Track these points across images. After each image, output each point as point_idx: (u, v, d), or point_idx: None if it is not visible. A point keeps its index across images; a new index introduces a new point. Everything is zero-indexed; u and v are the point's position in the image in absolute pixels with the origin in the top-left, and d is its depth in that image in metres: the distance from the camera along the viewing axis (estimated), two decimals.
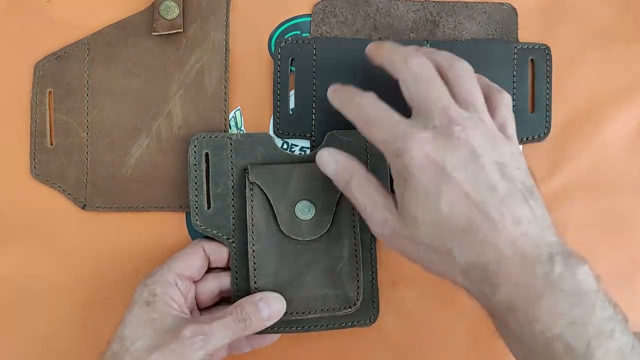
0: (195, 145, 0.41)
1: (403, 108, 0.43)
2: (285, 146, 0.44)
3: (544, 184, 0.44)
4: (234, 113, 0.44)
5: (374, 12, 0.44)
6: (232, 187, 0.41)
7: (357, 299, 0.40)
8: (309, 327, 0.40)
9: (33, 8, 0.44)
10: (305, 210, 0.40)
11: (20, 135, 0.43)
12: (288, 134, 0.43)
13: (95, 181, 0.43)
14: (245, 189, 0.40)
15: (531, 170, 0.34)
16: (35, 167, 0.43)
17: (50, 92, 0.43)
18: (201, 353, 0.35)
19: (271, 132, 0.44)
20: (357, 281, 0.40)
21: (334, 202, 0.40)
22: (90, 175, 0.43)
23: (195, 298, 0.40)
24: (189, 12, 0.43)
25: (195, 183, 0.40)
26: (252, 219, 0.40)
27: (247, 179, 0.40)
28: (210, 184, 0.41)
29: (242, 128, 0.44)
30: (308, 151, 0.44)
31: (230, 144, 0.41)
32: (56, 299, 0.43)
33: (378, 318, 0.41)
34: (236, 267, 0.40)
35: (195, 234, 0.43)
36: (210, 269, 0.41)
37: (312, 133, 0.43)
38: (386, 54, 0.37)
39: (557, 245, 0.32)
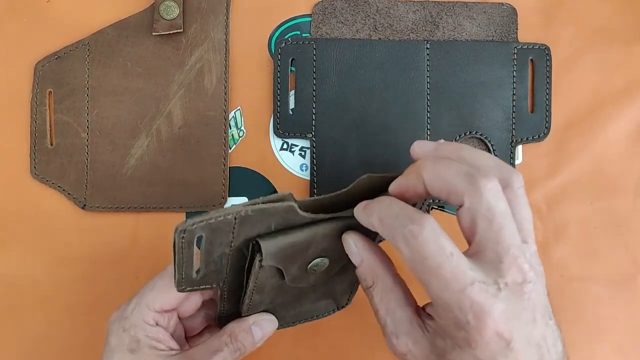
0: (183, 238, 0.29)
1: (405, 102, 0.43)
2: (285, 146, 0.44)
3: (544, 184, 0.44)
4: (234, 113, 0.44)
5: (374, 13, 0.44)
6: (230, 251, 0.31)
7: (347, 304, 0.39)
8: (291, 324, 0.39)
9: (33, 8, 0.44)
10: (318, 264, 0.33)
11: (20, 136, 0.43)
12: (288, 134, 0.43)
13: (95, 181, 0.43)
14: (246, 249, 0.32)
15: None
16: (35, 167, 0.43)
17: (50, 92, 0.43)
18: None
19: (271, 133, 0.44)
20: (351, 293, 0.39)
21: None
22: (90, 175, 0.43)
23: (179, 315, 0.37)
24: (189, 12, 0.43)
25: (183, 263, 0.31)
26: (255, 285, 0.33)
27: (256, 260, 0.31)
28: (202, 253, 0.31)
29: (242, 128, 0.44)
30: (307, 152, 0.43)
31: (235, 219, 0.29)
32: (55, 299, 0.43)
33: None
34: (224, 300, 0.35)
35: None
36: None
37: (312, 133, 0.43)
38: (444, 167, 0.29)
39: None
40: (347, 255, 0.32)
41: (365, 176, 0.32)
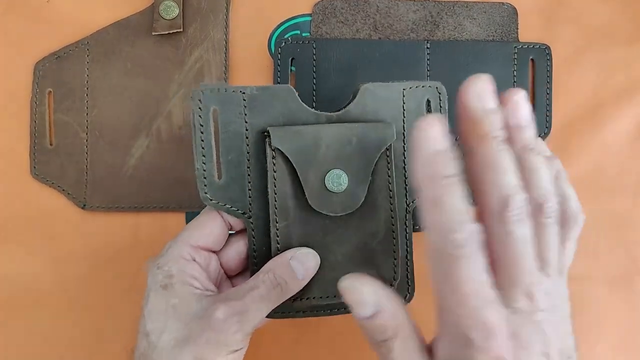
0: (200, 100, 0.33)
1: None
2: None
3: None
4: None
5: (374, 12, 0.44)
6: (248, 152, 0.33)
7: (395, 279, 0.34)
8: (335, 311, 0.35)
9: (33, 8, 0.44)
10: (336, 181, 0.33)
11: (20, 135, 0.43)
12: None
13: (95, 181, 0.43)
14: (264, 156, 0.33)
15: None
16: (35, 167, 0.43)
17: (50, 92, 0.43)
18: (239, 335, 0.30)
19: None
20: (395, 259, 0.34)
21: (369, 170, 0.34)
22: (90, 175, 0.43)
23: (223, 267, 0.35)
24: (189, 12, 0.43)
25: (202, 148, 0.33)
26: (275, 193, 0.33)
27: (267, 145, 0.33)
28: (220, 149, 0.33)
29: None
30: None
31: (244, 99, 0.33)
32: (56, 299, 0.43)
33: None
34: (254, 245, 0.34)
35: None
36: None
37: None
38: (481, 161, 0.27)
39: None
40: (367, 172, 0.33)
41: (368, 85, 0.34)
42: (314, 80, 0.43)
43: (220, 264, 0.34)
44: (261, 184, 0.33)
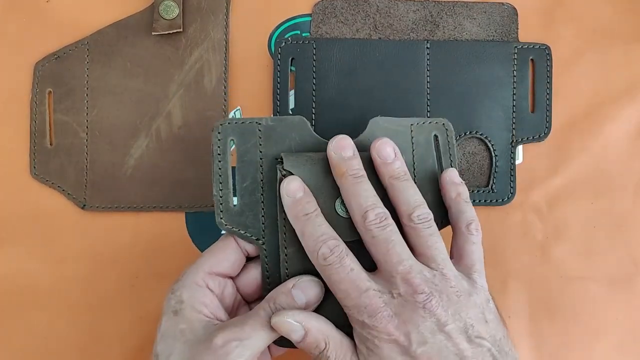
0: (219, 132, 0.35)
1: (405, 102, 0.43)
2: None
3: (544, 184, 0.44)
4: (234, 113, 0.44)
5: (374, 12, 0.44)
6: (262, 180, 0.35)
7: None
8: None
9: (33, 8, 0.44)
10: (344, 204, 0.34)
11: (20, 136, 0.43)
12: None
13: (95, 181, 0.43)
14: (277, 183, 0.34)
15: (500, 315, 0.34)
16: (35, 167, 0.43)
17: (50, 92, 0.43)
18: None
19: None
20: None
21: (379, 196, 0.34)
22: (90, 175, 0.43)
23: (240, 292, 0.36)
24: (189, 12, 0.43)
25: (220, 176, 0.35)
26: (284, 218, 0.34)
27: (279, 169, 0.34)
28: (236, 177, 0.35)
29: None
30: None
31: (260, 130, 0.35)
32: (55, 299, 0.43)
33: None
34: (267, 271, 0.35)
35: (195, 234, 0.43)
36: (250, 259, 0.37)
37: None
38: (345, 194, 0.33)
39: None
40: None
41: (377, 118, 0.37)
42: (314, 80, 0.43)
43: (238, 290, 0.36)
44: (273, 211, 0.35)
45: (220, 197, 0.35)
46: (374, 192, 0.33)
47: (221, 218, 0.35)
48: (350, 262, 0.32)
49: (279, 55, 0.43)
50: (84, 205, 0.43)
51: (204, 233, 0.43)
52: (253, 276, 0.36)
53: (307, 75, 0.43)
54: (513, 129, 0.43)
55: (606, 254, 0.43)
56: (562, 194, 0.44)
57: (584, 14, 0.45)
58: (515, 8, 0.44)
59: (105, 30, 0.44)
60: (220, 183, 0.35)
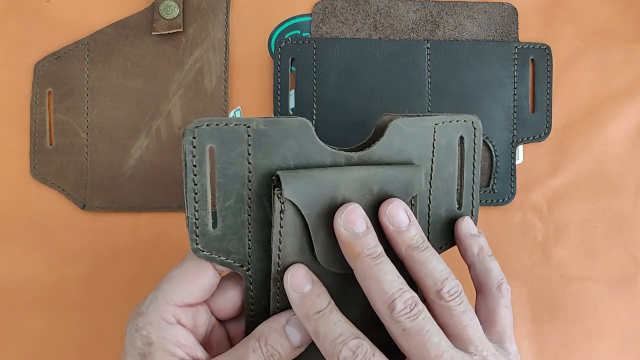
0: (194, 138, 0.27)
1: (405, 102, 0.43)
2: None
3: (544, 184, 0.44)
4: (234, 113, 0.44)
5: (374, 12, 0.44)
6: (249, 198, 0.29)
7: None
8: None
9: (33, 8, 0.44)
10: None
11: (20, 135, 0.43)
12: None
13: (94, 181, 0.43)
14: (268, 203, 0.29)
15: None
16: (35, 167, 0.43)
17: (50, 92, 0.43)
18: None
19: None
20: None
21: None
22: (89, 175, 0.43)
23: (213, 312, 0.32)
24: (189, 12, 0.43)
25: (195, 193, 0.28)
26: (280, 249, 0.29)
27: (275, 195, 0.28)
28: (217, 195, 0.28)
29: None
30: None
31: (249, 135, 0.28)
32: (55, 299, 0.43)
33: None
34: (252, 299, 0.30)
35: None
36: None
37: None
38: (361, 276, 0.29)
39: None
40: (382, 230, 0.30)
41: (397, 121, 0.30)
42: (314, 80, 0.43)
43: (211, 310, 0.31)
44: (263, 234, 0.29)
45: (196, 219, 0.28)
46: (397, 273, 0.28)
47: (197, 244, 0.29)
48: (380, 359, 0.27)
49: (279, 55, 0.43)
50: (84, 205, 0.43)
51: None
52: (230, 298, 0.31)
53: (307, 75, 0.43)
54: (513, 129, 0.43)
55: (606, 254, 0.43)
56: (562, 194, 0.44)
57: (584, 13, 0.45)
58: (515, 8, 0.44)
59: (105, 30, 0.44)
60: (196, 203, 0.28)
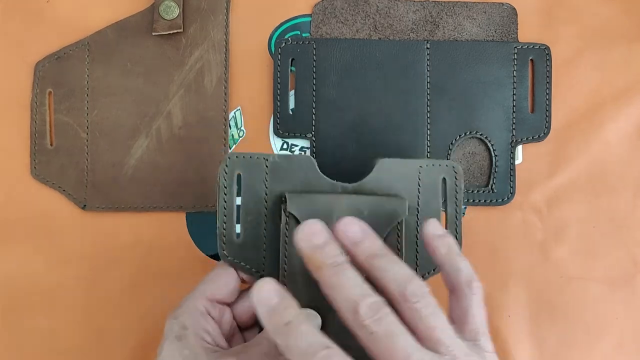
0: (227, 165, 0.36)
1: (405, 102, 0.43)
2: (285, 146, 0.44)
3: (544, 184, 0.44)
4: (234, 113, 0.44)
5: (374, 13, 0.44)
6: (266, 215, 0.36)
7: None
8: None
9: (33, 8, 0.44)
10: None
11: (20, 136, 0.43)
12: (288, 134, 0.43)
13: (95, 181, 0.43)
14: (279, 219, 0.35)
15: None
16: (35, 168, 0.43)
17: (50, 92, 0.43)
18: None
19: (271, 133, 0.44)
20: None
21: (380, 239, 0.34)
22: (90, 175, 0.43)
23: (236, 319, 0.36)
24: (189, 12, 0.43)
25: (225, 208, 0.36)
26: (286, 256, 0.35)
27: (282, 210, 0.35)
28: (241, 211, 0.36)
29: (242, 128, 0.44)
30: (307, 152, 0.44)
31: (267, 165, 0.36)
32: (56, 299, 0.43)
33: None
34: None
35: (196, 235, 0.43)
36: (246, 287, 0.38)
37: (312, 133, 0.43)
38: (326, 287, 0.29)
39: None
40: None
41: (385, 160, 0.36)
42: (314, 80, 0.43)
43: (233, 315, 0.36)
44: (275, 246, 0.35)
45: (224, 229, 0.36)
46: (362, 279, 0.29)
47: (224, 250, 0.36)
48: (320, 338, 0.28)
49: (279, 56, 0.43)
50: (85, 205, 0.43)
51: (204, 233, 0.43)
52: (248, 304, 0.35)
53: (307, 76, 0.43)
54: (513, 129, 0.43)
55: (606, 254, 0.43)
56: (562, 194, 0.44)
57: (584, 14, 0.45)
58: (514, 8, 0.44)
59: (105, 30, 0.44)
60: (225, 215, 0.36)
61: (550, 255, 0.43)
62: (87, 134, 0.43)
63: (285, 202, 0.35)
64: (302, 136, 0.43)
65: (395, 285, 0.29)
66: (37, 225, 0.43)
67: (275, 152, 0.44)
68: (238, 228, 0.36)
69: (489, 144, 0.43)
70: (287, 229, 0.35)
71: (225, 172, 0.36)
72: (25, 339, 0.43)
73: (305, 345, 0.27)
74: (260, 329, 0.34)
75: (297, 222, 0.34)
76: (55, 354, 0.43)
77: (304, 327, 0.28)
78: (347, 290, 0.28)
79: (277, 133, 0.43)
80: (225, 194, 0.36)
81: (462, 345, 0.29)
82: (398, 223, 0.35)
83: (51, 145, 0.43)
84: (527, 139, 0.43)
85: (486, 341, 0.31)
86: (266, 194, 0.36)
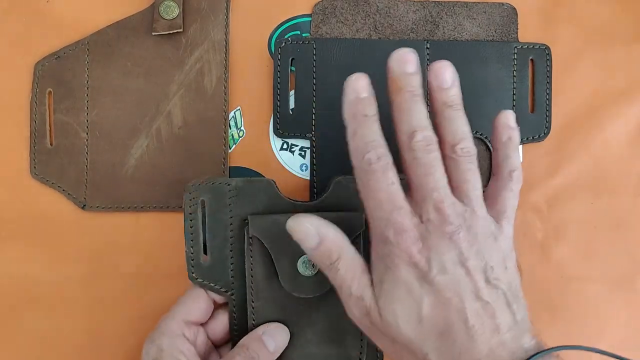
0: (190, 193, 0.38)
1: None
2: (285, 146, 0.44)
3: (544, 184, 0.44)
4: (234, 113, 0.44)
5: (374, 12, 0.44)
6: (231, 237, 0.38)
7: (362, 353, 0.38)
8: None
9: (33, 8, 0.44)
10: (307, 266, 0.37)
11: (20, 136, 0.43)
12: (288, 134, 0.43)
13: (95, 181, 0.43)
14: (244, 240, 0.38)
15: (518, 264, 0.34)
16: (35, 167, 0.43)
17: (50, 92, 0.43)
18: None
19: (271, 133, 0.44)
20: (362, 338, 0.38)
21: None
22: (90, 175, 0.43)
23: (210, 338, 0.38)
24: (189, 12, 0.43)
25: (191, 234, 0.38)
26: (252, 275, 0.37)
27: (245, 232, 0.37)
28: (207, 235, 0.38)
29: (242, 128, 0.44)
30: (307, 152, 0.44)
31: (229, 190, 0.38)
32: (55, 299, 0.43)
33: None
34: (235, 319, 0.38)
35: None
36: (218, 305, 0.40)
37: (312, 133, 0.43)
38: (396, 109, 0.33)
39: (534, 349, 0.32)
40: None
41: (340, 178, 0.38)
42: (314, 80, 0.43)
43: (207, 336, 0.38)
44: (242, 266, 0.38)
45: (192, 253, 0.38)
46: (428, 116, 0.32)
47: (192, 273, 0.38)
48: (393, 175, 0.31)
49: (279, 55, 0.43)
50: (84, 205, 0.43)
51: None
52: (221, 322, 0.38)
53: (307, 75, 0.43)
54: None
55: (606, 254, 0.43)
56: (562, 194, 0.44)
57: (584, 14, 0.45)
58: (514, 8, 0.44)
59: (105, 30, 0.44)
60: (192, 241, 0.38)
61: (551, 255, 0.43)
62: (87, 133, 0.43)
63: (248, 224, 0.37)
64: (302, 136, 0.43)
65: (451, 136, 0.33)
66: (37, 225, 0.43)
67: (275, 152, 0.44)
68: (206, 251, 0.38)
69: (489, 144, 0.43)
70: (251, 250, 0.37)
71: (190, 200, 0.38)
72: (25, 338, 0.43)
73: (371, 138, 0.32)
74: (233, 344, 0.38)
75: (261, 243, 0.37)
76: (55, 354, 0.43)
77: (376, 126, 0.32)
78: (413, 116, 0.32)
79: (277, 133, 0.43)
80: (191, 220, 0.38)
81: (485, 209, 0.33)
82: (356, 236, 0.37)
83: (51, 145, 0.43)
84: (527, 139, 0.43)
85: (507, 224, 0.34)
86: (230, 217, 0.38)
